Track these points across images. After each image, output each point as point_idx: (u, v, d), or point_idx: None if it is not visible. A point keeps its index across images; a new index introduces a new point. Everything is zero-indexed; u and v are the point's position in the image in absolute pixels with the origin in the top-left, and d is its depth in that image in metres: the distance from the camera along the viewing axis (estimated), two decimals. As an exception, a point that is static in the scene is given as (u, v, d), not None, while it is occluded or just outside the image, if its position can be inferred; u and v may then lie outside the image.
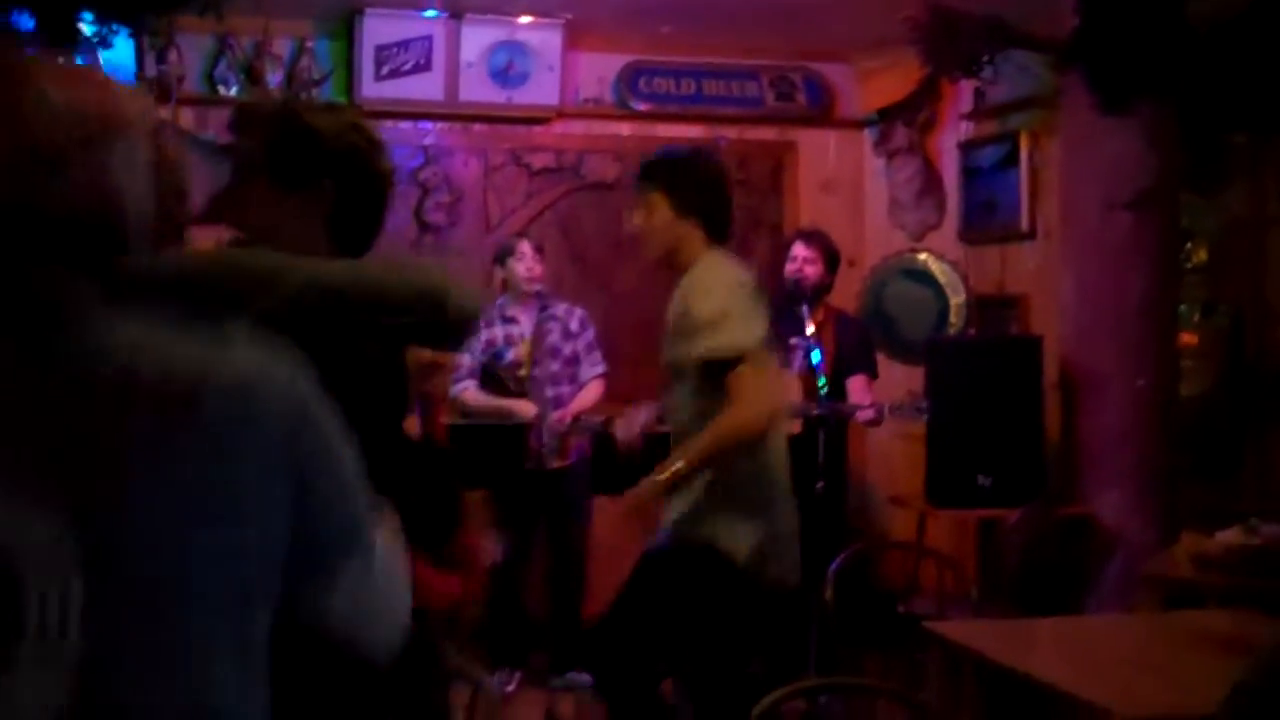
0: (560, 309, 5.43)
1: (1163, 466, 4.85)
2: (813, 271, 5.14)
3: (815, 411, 4.89)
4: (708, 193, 3.40)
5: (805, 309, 5.01)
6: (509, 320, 5.35)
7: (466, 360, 5.24)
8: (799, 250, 5.21)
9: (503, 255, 5.40)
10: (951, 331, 6.13)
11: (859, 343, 5.31)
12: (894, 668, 4.07)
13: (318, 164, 1.86)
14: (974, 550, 5.27)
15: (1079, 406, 4.99)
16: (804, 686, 2.86)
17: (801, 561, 4.61)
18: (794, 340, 5.04)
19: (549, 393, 5.28)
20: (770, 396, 3.24)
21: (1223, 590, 3.83)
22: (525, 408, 5.18)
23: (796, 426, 5.08)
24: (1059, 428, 5.08)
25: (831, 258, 5.22)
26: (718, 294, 3.24)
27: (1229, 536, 3.99)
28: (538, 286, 5.34)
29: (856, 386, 5.15)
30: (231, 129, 2.07)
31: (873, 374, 5.26)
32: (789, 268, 5.21)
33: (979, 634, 3.36)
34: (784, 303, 5.02)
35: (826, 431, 4.89)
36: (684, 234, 3.34)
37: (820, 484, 4.78)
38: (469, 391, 5.24)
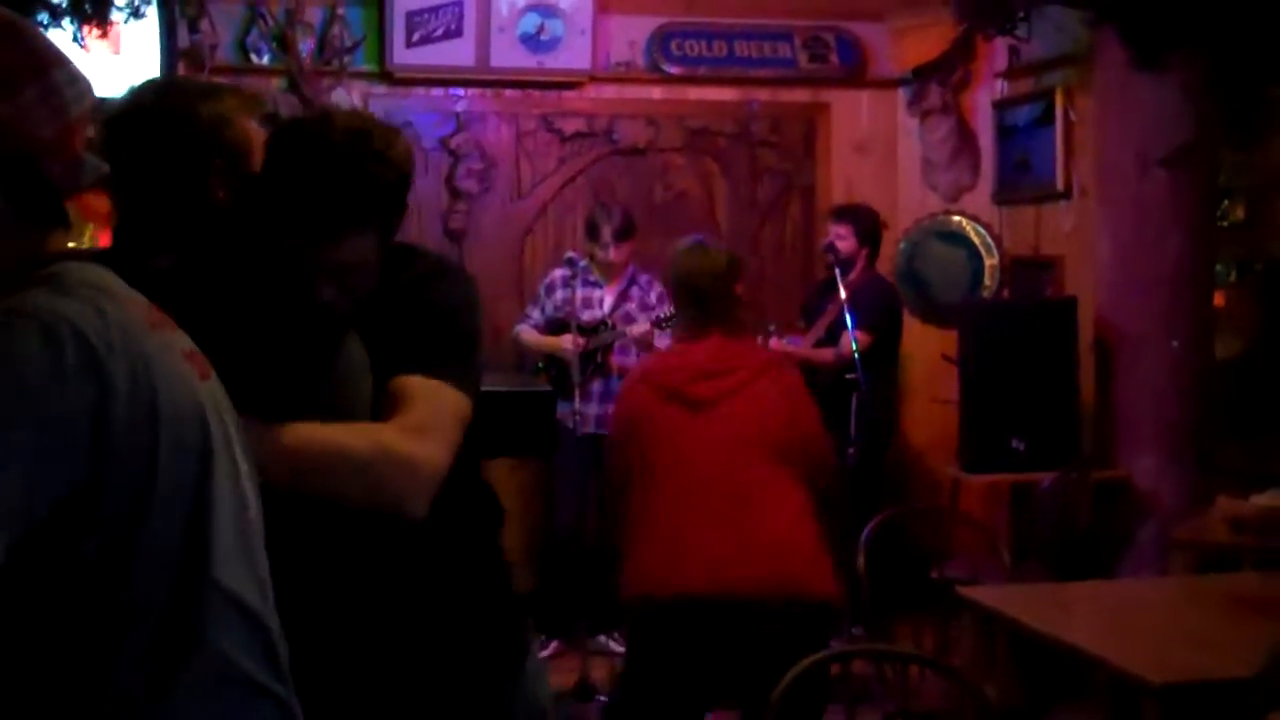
0: (644, 279, 5.57)
1: (1198, 429, 4.82)
2: (844, 246, 5.48)
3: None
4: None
5: (839, 276, 5.14)
6: (591, 283, 5.46)
7: (535, 314, 5.54)
8: (831, 226, 5.63)
9: (591, 228, 5.50)
10: (986, 294, 6.09)
11: (864, 301, 5.35)
12: (926, 633, 4.07)
13: None
14: (1007, 515, 5.26)
15: (1114, 369, 4.97)
16: (836, 652, 2.87)
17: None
18: (828, 306, 5.37)
19: (617, 360, 5.38)
20: None
21: (1258, 553, 3.81)
22: (568, 341, 5.20)
23: None
24: (1094, 390, 5.06)
25: (864, 229, 5.57)
26: None
27: (1264, 499, 3.97)
28: (615, 266, 5.52)
29: (845, 339, 5.19)
30: None
31: (867, 329, 5.24)
32: (825, 242, 5.62)
33: (1012, 599, 3.36)
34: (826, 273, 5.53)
35: (859, 398, 4.90)
36: None
37: (851, 450, 4.80)
38: (525, 331, 5.53)
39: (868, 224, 5.59)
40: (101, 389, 1.20)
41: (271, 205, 1.90)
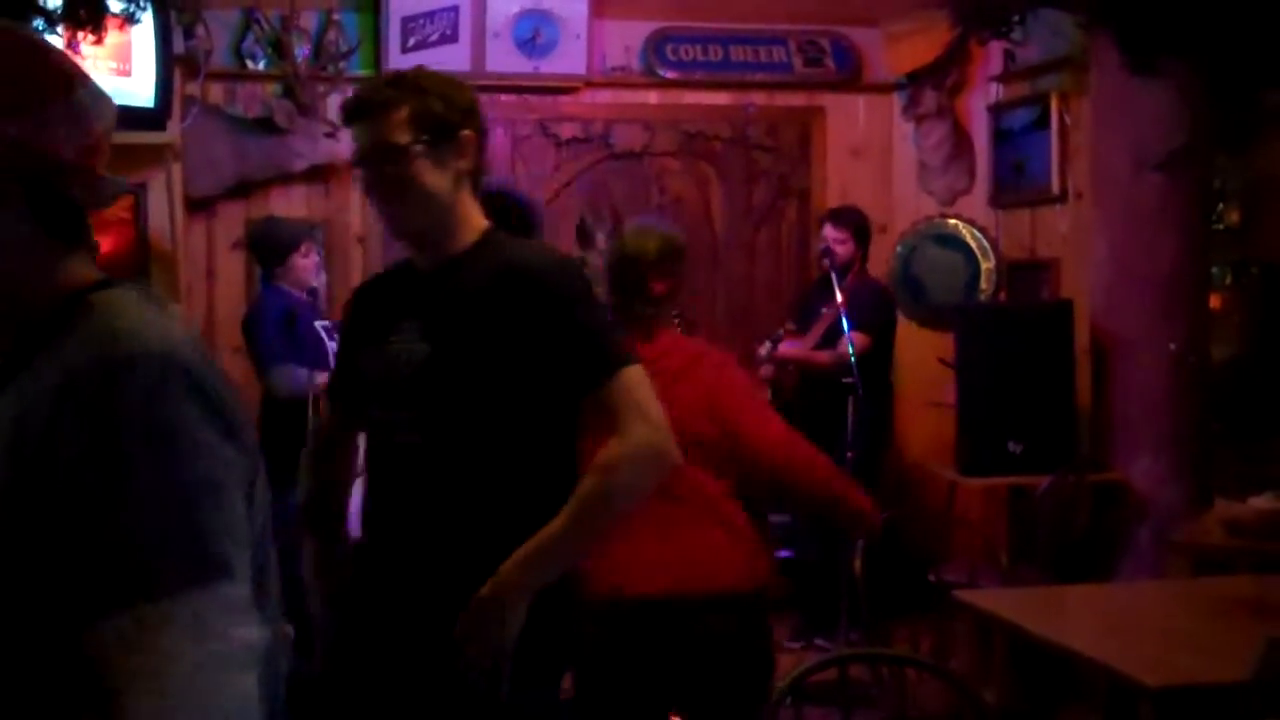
0: None
1: (1195, 431, 4.82)
2: (843, 250, 5.48)
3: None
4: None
5: (835, 280, 5.18)
6: None
7: None
8: (829, 232, 5.55)
9: (582, 233, 5.49)
10: (982, 297, 6.10)
11: (862, 303, 5.36)
12: (924, 636, 4.07)
13: None
14: (1005, 518, 5.26)
15: (1110, 372, 4.97)
16: (833, 657, 2.87)
17: (831, 532, 4.65)
18: (824, 310, 5.37)
19: None
20: None
21: (1255, 556, 3.81)
22: None
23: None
24: (1090, 393, 5.06)
25: (860, 232, 5.57)
26: None
27: (1261, 502, 3.97)
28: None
29: (843, 342, 5.19)
30: None
31: (865, 331, 5.25)
32: (821, 246, 5.57)
33: (1009, 602, 3.36)
34: (821, 277, 5.53)
35: (857, 402, 4.90)
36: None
37: (850, 454, 4.80)
38: None
39: (862, 226, 5.61)
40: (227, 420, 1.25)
41: None
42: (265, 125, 5.71)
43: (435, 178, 2.19)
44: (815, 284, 5.80)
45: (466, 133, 2.22)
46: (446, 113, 2.19)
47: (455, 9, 5.98)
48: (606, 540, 2.96)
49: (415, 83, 2.22)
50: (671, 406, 3.05)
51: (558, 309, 2.16)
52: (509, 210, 3.58)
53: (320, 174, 5.94)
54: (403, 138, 2.16)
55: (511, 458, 2.16)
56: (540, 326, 2.15)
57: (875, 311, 5.41)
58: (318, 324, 5.05)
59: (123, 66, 5.07)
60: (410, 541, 2.21)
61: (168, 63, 5.23)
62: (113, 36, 4.62)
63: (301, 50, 5.82)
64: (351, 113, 2.23)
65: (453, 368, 2.15)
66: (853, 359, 4.93)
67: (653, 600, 3.02)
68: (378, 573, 2.26)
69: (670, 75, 6.31)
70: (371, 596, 2.27)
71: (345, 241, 6.04)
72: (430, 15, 5.95)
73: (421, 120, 2.17)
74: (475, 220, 2.27)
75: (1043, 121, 5.74)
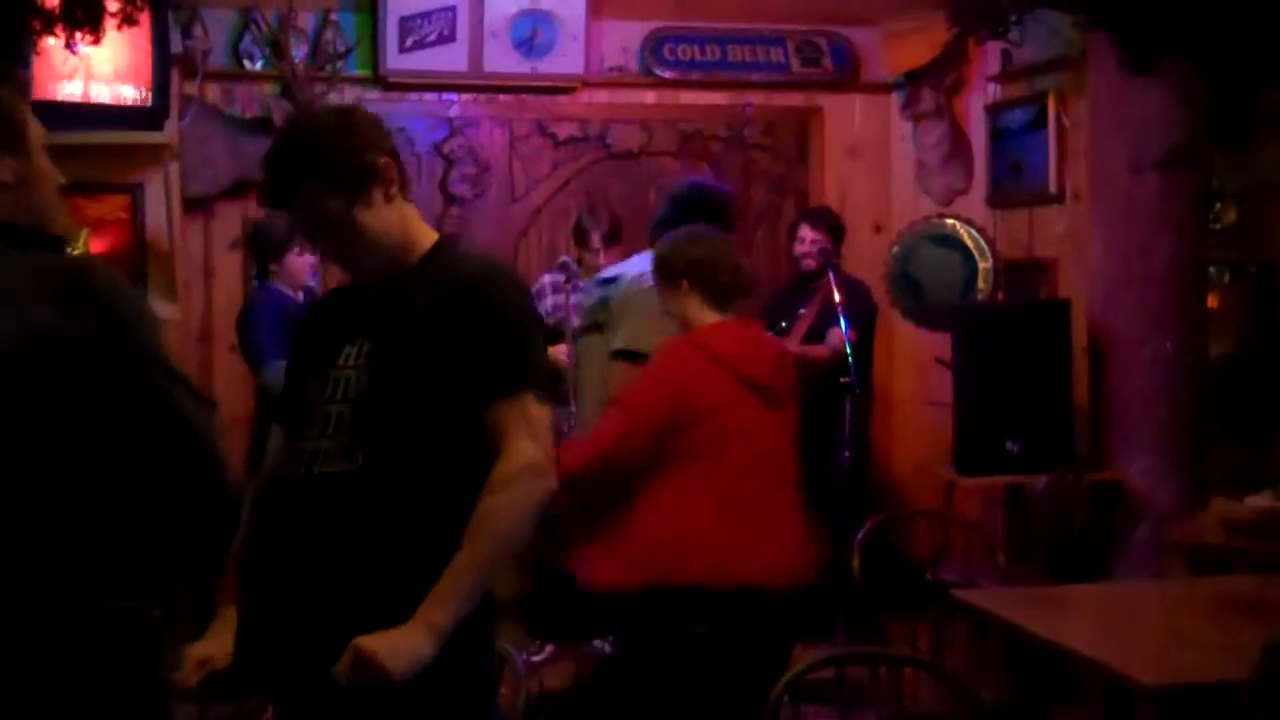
0: None
1: (1192, 430, 4.83)
2: (824, 250, 5.54)
3: None
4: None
5: (832, 278, 5.16)
6: (583, 289, 5.46)
7: None
8: (806, 233, 5.61)
9: (579, 233, 5.47)
10: (979, 297, 6.10)
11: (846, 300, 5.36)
12: (921, 636, 4.07)
13: None
14: (1002, 517, 5.26)
15: (1108, 371, 4.97)
16: (831, 656, 2.87)
17: (829, 532, 4.67)
18: (803, 310, 5.47)
19: None
20: None
21: (1252, 556, 3.82)
22: (561, 352, 5.17)
23: None
24: (1088, 393, 5.06)
25: (835, 231, 5.65)
26: None
27: (1259, 501, 3.98)
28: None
29: (833, 336, 5.23)
30: None
31: (854, 327, 5.21)
32: (798, 249, 5.62)
33: (1006, 601, 3.37)
34: (795, 278, 5.65)
35: (853, 402, 4.90)
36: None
37: (847, 454, 4.80)
38: None
39: (837, 225, 5.67)
40: None
41: None
42: (263, 125, 5.70)
43: (376, 218, 2.19)
44: (789, 286, 5.81)
45: (382, 160, 2.20)
46: (353, 156, 2.16)
47: (453, 9, 5.98)
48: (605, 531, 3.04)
49: (312, 144, 2.18)
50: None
51: (480, 316, 2.14)
52: (707, 203, 3.67)
53: (318, 174, 5.93)
54: (331, 205, 2.15)
55: (443, 483, 2.12)
56: (463, 333, 2.12)
57: (864, 306, 5.44)
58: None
59: (120, 67, 5.07)
60: (326, 568, 2.12)
61: (165, 63, 5.23)
62: (110, 36, 4.63)
63: (299, 50, 5.82)
64: (271, 201, 2.23)
65: (396, 393, 2.12)
66: (850, 356, 4.92)
67: (793, 589, 3.17)
68: (282, 601, 2.16)
69: (668, 75, 6.31)
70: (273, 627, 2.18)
71: (343, 241, 6.04)
72: (428, 15, 5.95)
73: (336, 180, 2.15)
74: (421, 234, 2.26)
75: (1040, 121, 5.74)
